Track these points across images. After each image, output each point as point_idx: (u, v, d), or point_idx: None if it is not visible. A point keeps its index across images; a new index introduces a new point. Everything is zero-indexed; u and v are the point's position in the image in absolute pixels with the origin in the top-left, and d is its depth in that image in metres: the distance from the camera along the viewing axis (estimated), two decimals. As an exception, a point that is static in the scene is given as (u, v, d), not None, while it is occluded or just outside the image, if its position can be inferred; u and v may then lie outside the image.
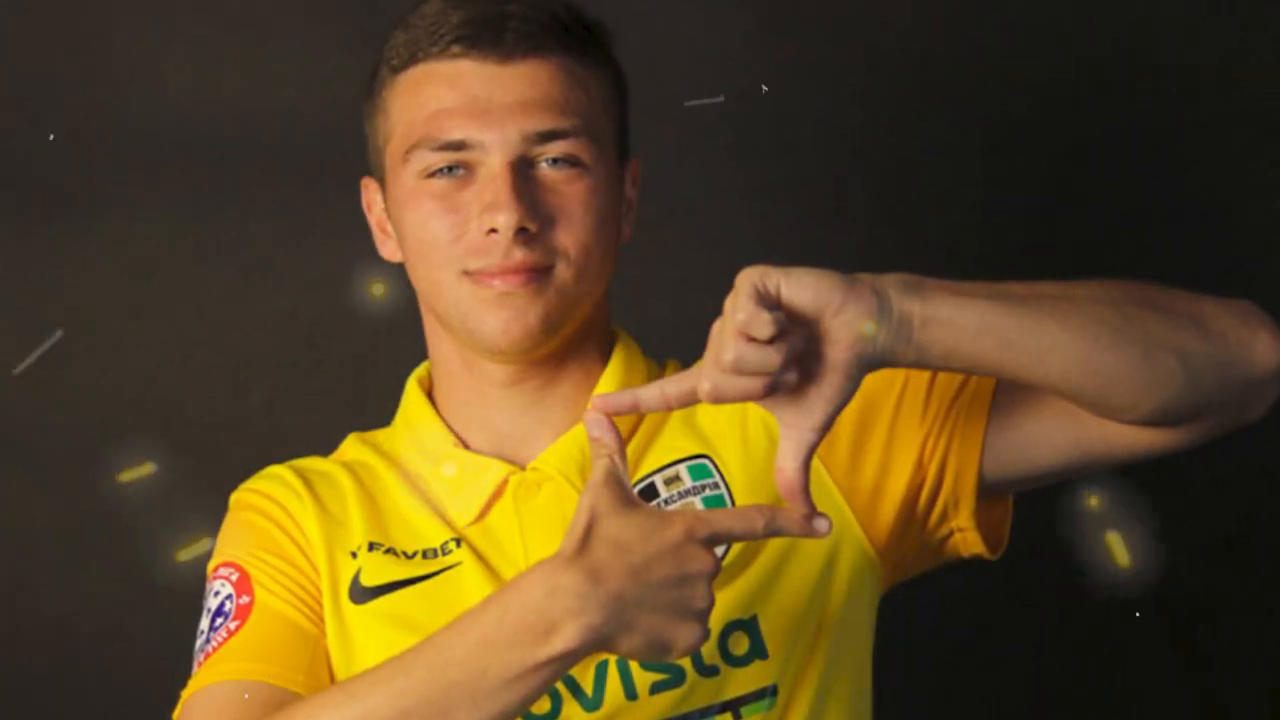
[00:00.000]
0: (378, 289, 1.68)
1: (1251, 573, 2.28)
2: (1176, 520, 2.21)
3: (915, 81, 2.25)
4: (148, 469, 1.97)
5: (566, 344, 1.58)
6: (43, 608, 2.23)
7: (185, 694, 1.51)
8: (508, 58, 1.53)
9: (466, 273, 1.53)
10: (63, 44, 2.22)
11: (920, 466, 1.54)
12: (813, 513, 1.37)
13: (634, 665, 1.49)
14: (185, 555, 1.64)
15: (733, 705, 1.49)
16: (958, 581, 1.81)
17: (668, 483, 1.56)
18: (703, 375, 1.33)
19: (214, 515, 1.62)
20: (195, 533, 1.66)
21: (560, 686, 1.48)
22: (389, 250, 1.63)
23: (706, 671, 1.49)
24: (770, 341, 1.30)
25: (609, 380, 1.60)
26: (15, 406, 2.22)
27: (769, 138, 2.25)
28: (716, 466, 1.56)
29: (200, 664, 1.52)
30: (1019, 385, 1.47)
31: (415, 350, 1.66)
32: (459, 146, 1.53)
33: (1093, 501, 1.67)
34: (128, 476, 2.02)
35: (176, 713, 1.52)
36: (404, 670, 1.35)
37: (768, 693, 1.50)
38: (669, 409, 1.40)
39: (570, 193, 1.53)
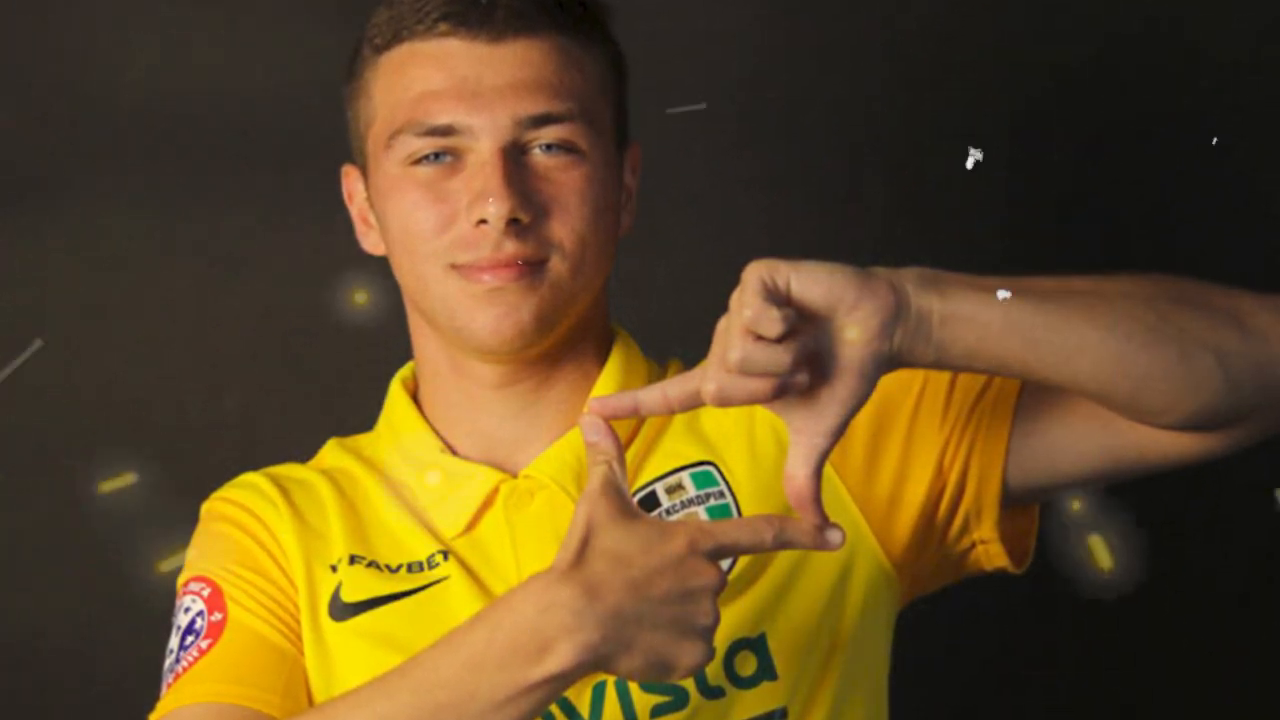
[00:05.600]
0: (360, 297, 1.67)
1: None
2: (1198, 529, 2.21)
3: (935, 64, 2.25)
4: (129, 479, 1.96)
5: (561, 343, 1.57)
6: (2, 622, 2.22)
7: (152, 717, 1.51)
8: (498, 37, 1.53)
9: (454, 266, 1.52)
10: (21, 20, 2.22)
11: (940, 474, 1.54)
12: (825, 523, 1.36)
13: (633, 686, 1.48)
14: (168, 566, 1.63)
15: (739, 729, 1.49)
16: (979, 596, 1.81)
17: (670, 491, 1.55)
18: (707, 376, 1.32)
19: (185, 526, 1.62)
20: (168, 544, 1.65)
21: (555, 709, 1.48)
22: (371, 242, 1.62)
23: (711, 693, 1.49)
24: (779, 340, 1.29)
25: (607, 381, 1.60)
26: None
27: (779, 123, 2.25)
28: (722, 474, 1.56)
29: (169, 685, 1.51)
30: (1046, 388, 1.47)
31: (400, 350, 1.65)
32: (446, 131, 1.52)
33: (1075, 506, 1.66)
34: (108, 487, 2.01)
35: (144, 737, 1.52)
36: (387, 692, 1.34)
37: (776, 716, 1.50)
38: (671, 412, 1.39)
39: (565, 181, 1.53)
